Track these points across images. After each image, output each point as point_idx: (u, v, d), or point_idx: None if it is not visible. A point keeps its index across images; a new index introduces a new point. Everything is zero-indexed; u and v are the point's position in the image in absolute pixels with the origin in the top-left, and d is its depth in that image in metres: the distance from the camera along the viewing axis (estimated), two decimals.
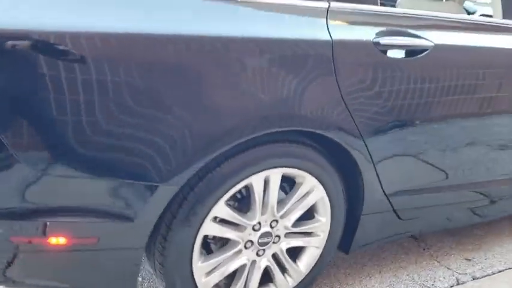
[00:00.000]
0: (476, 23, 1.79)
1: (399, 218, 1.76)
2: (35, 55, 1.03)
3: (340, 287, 1.86)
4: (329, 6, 1.40)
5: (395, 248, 2.14)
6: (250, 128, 1.28)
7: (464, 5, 2.84)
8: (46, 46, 1.04)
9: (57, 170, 1.13)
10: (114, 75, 1.10)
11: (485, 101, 1.73)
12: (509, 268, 2.13)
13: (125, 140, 1.15)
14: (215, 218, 1.38)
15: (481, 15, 3.09)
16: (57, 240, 1.19)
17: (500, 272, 2.10)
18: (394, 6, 1.92)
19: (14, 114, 1.06)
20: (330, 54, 1.37)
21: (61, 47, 1.05)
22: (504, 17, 1.85)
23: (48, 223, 1.17)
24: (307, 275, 1.66)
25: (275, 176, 1.43)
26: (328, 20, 1.39)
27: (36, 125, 1.09)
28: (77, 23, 1.07)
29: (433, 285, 1.95)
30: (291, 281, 1.63)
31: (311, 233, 1.61)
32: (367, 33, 1.45)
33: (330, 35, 1.37)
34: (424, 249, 2.18)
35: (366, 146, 1.50)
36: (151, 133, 1.17)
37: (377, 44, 1.45)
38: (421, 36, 1.54)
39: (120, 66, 1.11)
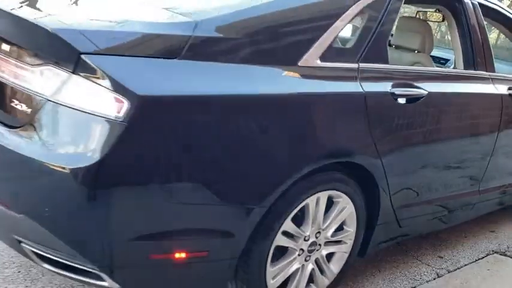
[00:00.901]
0: (451, 74, 2.36)
1: (399, 226, 2.24)
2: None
3: (353, 284, 2.29)
4: (358, 66, 1.86)
5: (385, 252, 2.61)
6: (316, 160, 1.69)
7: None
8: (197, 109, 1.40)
9: (184, 199, 1.46)
10: (229, 127, 1.47)
11: (463, 130, 2.30)
12: (472, 262, 2.69)
13: (235, 176, 1.52)
14: (283, 231, 1.76)
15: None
16: (180, 255, 1.51)
17: (465, 265, 2.65)
18: None
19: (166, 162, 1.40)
20: (363, 103, 1.83)
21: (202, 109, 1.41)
22: (465, 68, 2.43)
23: (175, 242, 1.49)
24: (337, 275, 2.08)
25: (324, 197, 1.84)
26: (359, 78, 1.85)
27: (176, 168, 1.42)
28: (211, 88, 1.44)
29: (420, 278, 2.45)
30: (327, 281, 2.04)
31: (341, 241, 2.03)
32: (385, 86, 1.92)
33: (362, 88, 1.83)
34: (406, 251, 2.68)
35: (384, 170, 1.96)
36: (254, 170, 1.54)
37: (392, 94, 1.93)
38: (419, 86, 2.04)
39: (236, 121, 1.48)
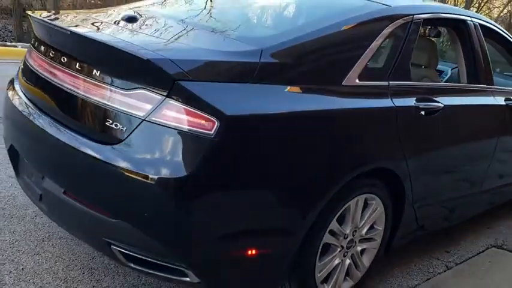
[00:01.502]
0: (461, 88, 2.66)
1: (418, 224, 2.52)
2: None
3: (377, 277, 2.55)
4: (389, 84, 2.14)
5: (400, 248, 2.88)
6: (360, 166, 1.95)
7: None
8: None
9: (259, 202, 1.69)
10: (294, 140, 1.72)
11: (471, 138, 2.61)
12: (475, 255, 2.99)
13: (298, 183, 1.76)
14: (330, 230, 2.01)
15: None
16: (251, 252, 1.74)
17: (470, 258, 2.95)
18: None
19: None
20: (395, 116, 2.10)
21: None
22: (468, 82, 2.74)
23: (249, 240, 1.72)
24: (367, 269, 2.34)
25: (361, 199, 2.10)
26: (390, 94, 2.12)
27: (253, 177, 1.66)
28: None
29: (433, 271, 2.73)
30: (359, 274, 2.30)
31: (372, 238, 2.29)
32: (411, 101, 2.20)
33: (394, 103, 2.10)
34: (419, 247, 2.95)
35: (409, 174, 2.23)
36: (312, 177, 1.79)
37: (417, 107, 2.21)
38: (436, 100, 2.33)
39: (300, 134, 1.73)
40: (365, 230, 2.22)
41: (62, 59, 1.81)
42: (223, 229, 1.66)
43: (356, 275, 2.28)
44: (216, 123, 1.53)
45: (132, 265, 1.76)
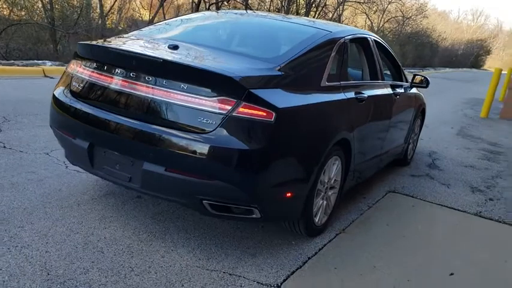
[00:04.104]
0: (371, 84, 3.97)
1: (354, 175, 3.76)
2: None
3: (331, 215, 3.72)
4: (340, 83, 3.31)
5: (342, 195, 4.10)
6: (336, 138, 3.08)
7: None
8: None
9: (297, 163, 2.72)
10: (309, 122, 2.80)
11: (381, 116, 3.95)
12: (381, 198, 4.36)
13: (313, 150, 2.83)
14: (320, 180, 3.10)
15: None
16: (288, 194, 2.76)
17: (378, 200, 4.30)
18: None
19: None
20: (346, 104, 3.28)
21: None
22: (371, 79, 4.06)
23: (290, 186, 2.74)
24: (332, 208, 3.50)
25: (333, 159, 3.23)
26: (342, 90, 3.30)
27: (294, 146, 2.68)
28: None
29: (361, 209, 4.00)
30: (329, 211, 3.44)
31: (334, 187, 3.44)
32: (352, 94, 3.41)
33: (345, 96, 3.28)
34: (347, 197, 4.21)
35: (354, 141, 3.44)
36: (318, 145, 2.88)
37: (356, 98, 3.42)
38: (363, 92, 3.58)
39: (308, 119, 2.82)
40: (332, 180, 3.36)
41: (146, 78, 2.60)
42: (276, 180, 2.65)
43: (327, 212, 3.42)
44: (274, 114, 2.52)
45: (216, 213, 2.65)
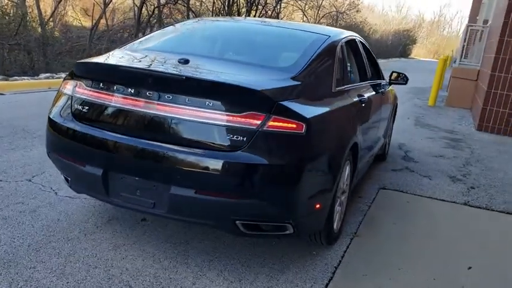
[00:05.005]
0: (366, 85, 3.98)
1: (356, 178, 3.76)
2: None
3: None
4: (344, 88, 3.28)
5: None
6: (350, 143, 3.05)
7: None
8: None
9: (325, 174, 2.66)
10: (331, 128, 2.75)
11: (376, 113, 3.99)
12: (375, 196, 4.41)
13: (337, 157, 2.78)
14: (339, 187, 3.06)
15: None
16: (318, 206, 2.70)
17: (375, 198, 4.35)
18: None
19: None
20: (354, 107, 3.26)
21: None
22: (360, 80, 4.09)
23: (319, 198, 2.67)
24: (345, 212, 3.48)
25: (346, 165, 3.20)
26: (347, 94, 3.28)
27: (325, 154, 2.62)
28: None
29: (363, 209, 4.02)
30: (342, 216, 3.41)
31: (345, 191, 3.42)
32: (356, 97, 3.40)
33: (352, 99, 3.27)
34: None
35: (360, 144, 3.43)
36: (339, 152, 2.84)
37: (359, 100, 3.42)
38: (363, 95, 3.58)
39: (330, 126, 2.77)
40: (345, 185, 3.33)
41: (167, 97, 2.43)
42: (310, 193, 2.58)
43: (341, 217, 3.39)
44: (304, 125, 2.44)
45: (249, 232, 2.54)
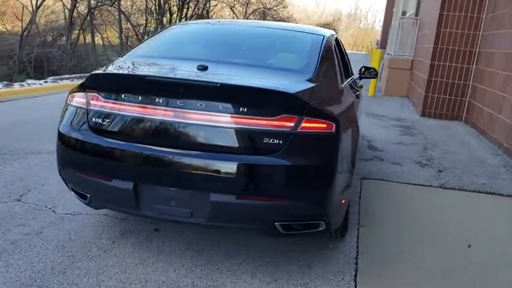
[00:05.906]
0: (351, 80, 4.13)
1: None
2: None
3: None
4: (343, 83, 3.42)
5: None
6: (358, 137, 3.19)
7: None
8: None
9: (350, 169, 2.76)
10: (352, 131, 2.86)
11: (359, 108, 4.14)
12: (360, 184, 4.60)
13: (353, 152, 2.90)
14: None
15: None
16: (343, 201, 2.80)
17: (361, 188, 4.54)
18: None
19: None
20: (355, 101, 3.41)
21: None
22: (346, 75, 4.25)
23: (344, 195, 2.77)
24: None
25: None
26: (349, 89, 3.41)
27: (349, 151, 2.71)
28: None
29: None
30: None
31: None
32: (352, 92, 3.55)
33: (352, 94, 3.41)
34: None
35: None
36: (354, 150, 2.96)
37: (356, 95, 3.57)
38: (357, 90, 3.74)
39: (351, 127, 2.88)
40: None
41: (198, 105, 2.42)
42: (340, 190, 2.67)
43: (348, 210, 3.53)
44: (334, 124, 2.53)
45: (287, 232, 2.59)
